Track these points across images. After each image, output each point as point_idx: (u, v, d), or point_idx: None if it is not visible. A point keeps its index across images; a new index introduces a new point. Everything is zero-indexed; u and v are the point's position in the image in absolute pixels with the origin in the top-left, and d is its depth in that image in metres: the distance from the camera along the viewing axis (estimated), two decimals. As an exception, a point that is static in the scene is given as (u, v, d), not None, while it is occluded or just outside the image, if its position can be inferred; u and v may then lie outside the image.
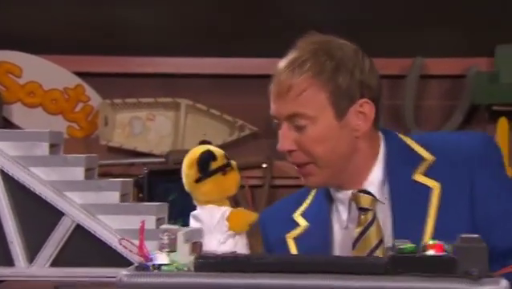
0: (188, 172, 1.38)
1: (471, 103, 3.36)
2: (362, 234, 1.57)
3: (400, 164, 1.57)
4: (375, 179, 1.58)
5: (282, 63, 1.57)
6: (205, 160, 1.37)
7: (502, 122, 3.28)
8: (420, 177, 1.55)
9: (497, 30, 3.30)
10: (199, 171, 1.38)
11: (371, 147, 1.59)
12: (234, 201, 1.42)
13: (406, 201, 1.54)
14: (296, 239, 1.63)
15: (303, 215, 1.65)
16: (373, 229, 1.56)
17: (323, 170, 1.56)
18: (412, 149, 1.58)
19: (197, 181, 1.38)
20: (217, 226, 1.35)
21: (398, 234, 1.50)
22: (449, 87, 3.47)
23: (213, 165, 1.39)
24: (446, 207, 1.52)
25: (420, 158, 1.56)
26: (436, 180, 1.54)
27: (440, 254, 1.22)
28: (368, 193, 1.58)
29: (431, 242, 1.23)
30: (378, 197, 1.58)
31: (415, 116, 3.44)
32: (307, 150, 1.55)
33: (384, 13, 3.27)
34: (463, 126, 3.42)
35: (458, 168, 1.54)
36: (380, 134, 1.62)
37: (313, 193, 1.66)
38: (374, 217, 1.57)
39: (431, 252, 1.22)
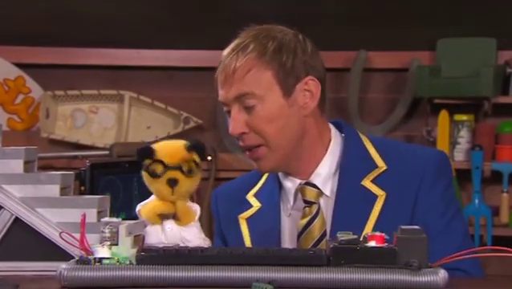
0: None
1: (413, 96, 3.41)
2: (306, 226, 1.58)
3: (353, 166, 1.59)
4: (323, 172, 1.60)
5: (226, 50, 1.60)
6: (141, 156, 1.36)
7: (443, 115, 3.33)
8: (368, 183, 1.57)
9: (439, 25, 3.35)
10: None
11: (321, 134, 1.61)
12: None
13: (350, 203, 1.56)
14: (248, 220, 1.64)
15: (256, 195, 1.67)
16: (317, 221, 1.58)
17: (274, 153, 1.57)
18: (369, 154, 1.61)
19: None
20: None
21: (335, 233, 1.53)
22: (391, 81, 3.51)
23: (148, 162, 1.38)
24: (387, 216, 1.54)
25: (374, 165, 1.59)
26: (382, 189, 1.56)
27: (382, 245, 1.23)
28: (314, 186, 1.59)
29: (372, 233, 1.24)
30: (323, 190, 1.60)
31: (359, 108, 3.48)
32: (258, 130, 1.56)
33: (328, 7, 3.29)
34: (406, 119, 3.47)
35: (406, 182, 1.56)
36: (332, 127, 1.64)
37: (266, 175, 1.67)
38: (318, 210, 1.59)
39: (372, 243, 1.23)
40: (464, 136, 3.34)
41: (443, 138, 3.32)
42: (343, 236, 1.26)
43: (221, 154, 3.43)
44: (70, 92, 3.48)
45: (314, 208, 1.58)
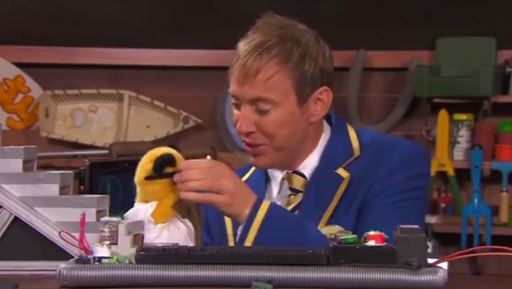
0: (144, 166, 1.39)
1: (413, 95, 3.41)
2: None
3: (333, 156, 1.60)
4: (310, 163, 1.61)
5: (247, 46, 1.56)
6: (162, 162, 1.39)
7: (443, 114, 3.33)
8: (340, 171, 1.59)
9: (438, 24, 3.35)
10: (153, 170, 1.38)
11: (317, 132, 1.63)
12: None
13: (321, 186, 1.58)
14: None
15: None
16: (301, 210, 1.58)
17: (275, 153, 1.58)
18: (350, 144, 1.62)
19: (148, 178, 1.39)
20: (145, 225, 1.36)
21: (303, 213, 1.54)
22: (391, 80, 3.51)
23: (168, 169, 1.40)
24: (348, 197, 1.56)
25: (351, 153, 1.60)
26: (349, 172, 1.58)
27: (381, 244, 1.23)
28: (302, 175, 1.60)
29: (372, 233, 1.24)
30: (309, 179, 1.60)
31: (358, 108, 3.48)
32: (267, 133, 1.56)
33: (328, 6, 3.29)
34: (405, 118, 3.47)
35: (371, 166, 1.57)
36: (324, 121, 1.65)
37: (253, 169, 1.68)
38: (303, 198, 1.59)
39: (371, 243, 1.23)
40: (463, 136, 3.34)
41: (442, 137, 3.33)
42: (342, 235, 1.26)
43: (220, 153, 3.43)
44: (69, 92, 3.48)
45: (300, 196, 1.59)
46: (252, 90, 1.54)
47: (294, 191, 1.60)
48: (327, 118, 1.66)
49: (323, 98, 1.58)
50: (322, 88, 1.57)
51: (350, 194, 1.56)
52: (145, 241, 1.35)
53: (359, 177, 1.56)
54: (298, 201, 1.59)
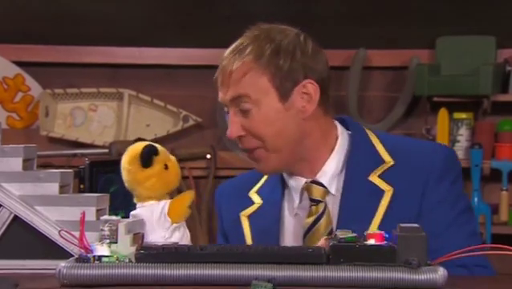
0: (130, 167, 1.36)
1: (413, 94, 3.41)
2: (313, 224, 1.58)
3: (360, 163, 1.57)
4: (329, 170, 1.59)
5: (226, 52, 1.59)
6: (148, 153, 1.36)
7: (443, 113, 3.33)
8: (375, 179, 1.56)
9: (438, 23, 3.35)
10: (142, 162, 1.36)
11: (325, 134, 1.60)
12: (178, 193, 1.40)
13: (357, 198, 1.55)
14: (250, 217, 1.64)
15: (258, 192, 1.66)
16: (323, 220, 1.57)
17: (272, 155, 1.56)
18: (376, 149, 1.59)
19: (145, 165, 1.35)
20: (159, 222, 1.34)
21: (342, 228, 1.52)
22: (391, 79, 3.51)
23: (156, 160, 1.38)
24: (394, 212, 1.53)
25: (381, 160, 1.57)
26: (389, 184, 1.55)
27: (381, 243, 1.23)
28: (321, 184, 1.59)
29: (371, 232, 1.24)
30: (330, 188, 1.59)
31: (358, 106, 3.47)
32: (255, 133, 1.55)
33: (328, 5, 3.29)
34: (405, 117, 3.47)
35: (413, 177, 1.55)
36: (338, 125, 1.63)
37: (266, 176, 1.67)
38: (325, 209, 1.58)
39: (371, 241, 1.23)
40: (463, 134, 3.34)
41: (442, 136, 3.33)
42: (342, 234, 1.26)
43: (220, 152, 3.43)
44: (69, 90, 3.48)
45: (321, 206, 1.57)
46: (229, 90, 1.55)
47: (315, 201, 1.59)
48: (341, 122, 1.64)
49: (308, 92, 1.56)
50: (305, 81, 1.55)
51: (397, 207, 1.53)
52: (157, 239, 1.33)
53: (403, 188, 1.53)
54: (320, 211, 1.57)
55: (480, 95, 3.28)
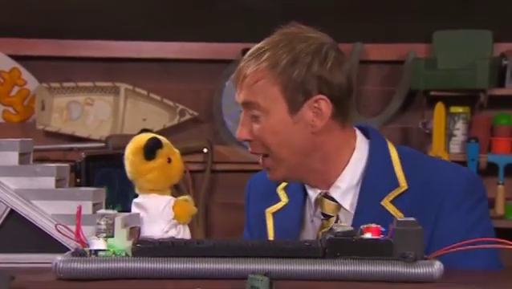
0: (133, 158, 1.36)
1: (409, 88, 3.41)
2: None
3: (375, 183, 1.54)
4: (342, 185, 1.56)
5: (247, 53, 1.56)
6: (152, 146, 1.36)
7: (439, 107, 3.33)
8: (387, 204, 1.53)
9: (435, 17, 3.35)
10: (145, 154, 1.35)
11: (339, 147, 1.56)
12: (175, 187, 1.40)
13: (369, 222, 1.51)
14: (274, 214, 1.63)
15: (285, 189, 1.64)
16: None
17: (279, 164, 1.54)
18: (393, 170, 1.55)
19: (148, 158, 1.34)
20: (162, 215, 1.34)
21: None
22: (387, 73, 3.51)
23: (159, 153, 1.37)
24: None
25: (396, 183, 1.54)
26: (400, 210, 1.51)
27: (377, 237, 1.23)
28: (333, 199, 1.57)
29: (367, 225, 1.24)
30: (342, 203, 1.56)
31: (355, 100, 3.47)
32: (261, 140, 1.54)
33: (324, -1, 3.29)
34: (402, 111, 3.47)
35: (426, 204, 1.51)
36: (359, 134, 1.58)
37: None
38: (336, 222, 1.56)
39: (368, 235, 1.23)
40: (459, 128, 3.34)
41: (439, 130, 3.33)
42: (338, 228, 1.26)
43: (217, 146, 3.42)
44: (65, 84, 3.47)
45: (332, 221, 1.56)
46: (241, 94, 1.54)
47: (326, 216, 1.57)
48: (363, 130, 1.60)
49: (319, 107, 1.52)
50: (317, 96, 1.51)
51: None
52: (156, 232, 1.32)
53: (414, 215, 1.42)
54: (330, 226, 1.54)
55: (476, 89, 3.28)
